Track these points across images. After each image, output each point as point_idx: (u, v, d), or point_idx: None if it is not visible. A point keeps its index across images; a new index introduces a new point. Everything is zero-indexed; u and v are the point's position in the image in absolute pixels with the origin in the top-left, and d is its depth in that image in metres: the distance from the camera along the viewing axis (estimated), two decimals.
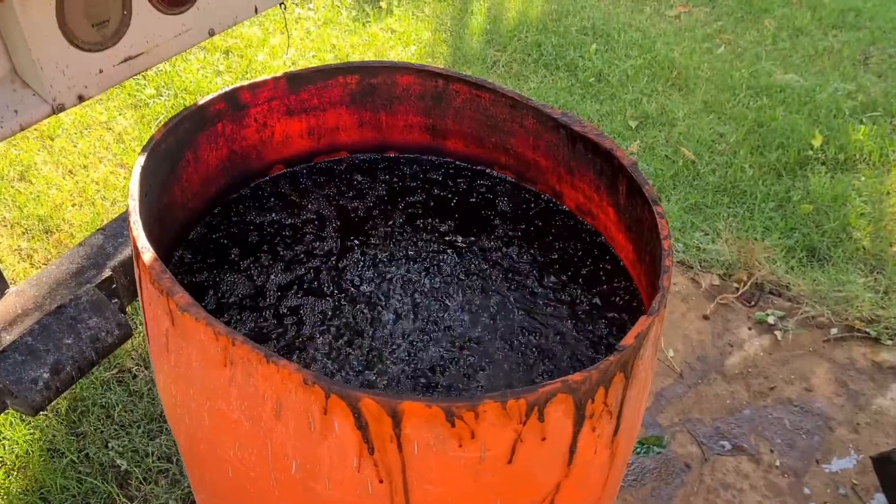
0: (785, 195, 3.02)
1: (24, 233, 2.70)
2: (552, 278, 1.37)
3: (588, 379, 0.90)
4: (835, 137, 3.31)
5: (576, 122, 1.32)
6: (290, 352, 1.23)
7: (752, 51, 4.00)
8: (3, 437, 2.08)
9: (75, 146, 3.11)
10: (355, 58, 3.81)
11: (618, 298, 1.32)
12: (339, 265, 1.39)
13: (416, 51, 3.86)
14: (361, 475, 0.93)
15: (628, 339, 0.95)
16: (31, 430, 2.10)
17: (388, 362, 1.22)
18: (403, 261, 1.41)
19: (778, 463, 2.14)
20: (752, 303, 2.61)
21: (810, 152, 3.23)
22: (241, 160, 1.46)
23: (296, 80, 1.44)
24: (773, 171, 3.16)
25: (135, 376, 2.26)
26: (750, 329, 2.52)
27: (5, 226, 2.72)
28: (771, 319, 2.54)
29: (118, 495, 1.96)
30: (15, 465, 2.02)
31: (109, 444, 2.07)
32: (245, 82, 1.39)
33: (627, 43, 3.98)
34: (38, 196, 2.84)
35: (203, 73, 3.58)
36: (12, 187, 2.88)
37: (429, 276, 1.38)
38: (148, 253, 1.02)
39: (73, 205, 2.84)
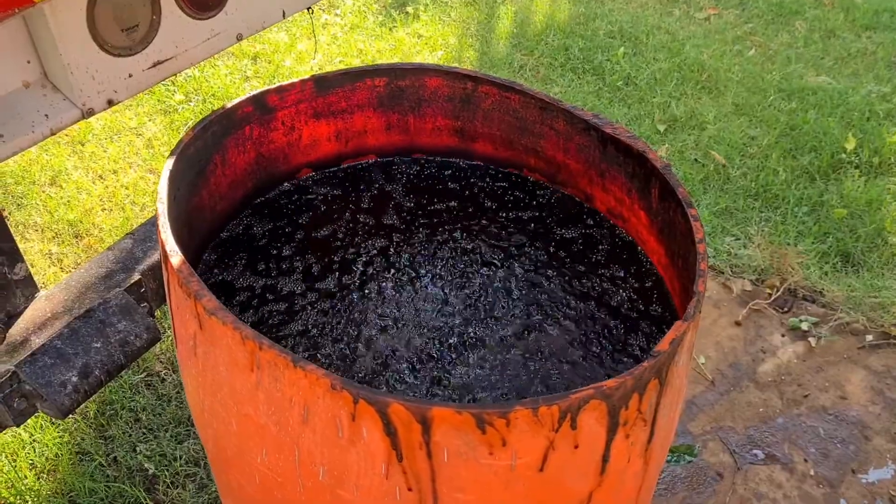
0: (818, 199, 2.97)
1: (54, 237, 2.73)
2: (583, 282, 1.35)
3: (622, 385, 0.88)
4: (869, 141, 3.24)
5: (607, 125, 1.30)
6: (318, 357, 1.22)
7: (784, 53, 3.94)
8: (34, 440, 2.09)
9: (105, 151, 3.14)
10: (382, 63, 3.81)
11: (649, 303, 1.30)
12: (367, 269, 1.38)
13: (443, 55, 3.85)
14: (390, 482, 0.91)
15: (663, 345, 0.92)
16: (61, 433, 2.11)
17: (416, 370, 1.21)
18: (433, 264, 1.39)
19: (812, 472, 2.10)
20: (785, 309, 2.56)
21: (843, 156, 3.17)
22: (268, 163, 1.45)
23: (323, 83, 1.44)
24: (805, 174, 3.11)
25: (163, 380, 2.27)
26: (783, 336, 2.47)
27: (36, 230, 2.75)
28: (804, 326, 2.49)
29: (146, 499, 1.96)
30: (45, 467, 2.04)
31: (137, 448, 2.08)
32: (272, 85, 1.39)
33: (656, 46, 3.94)
34: (68, 201, 2.87)
35: (231, 78, 3.60)
36: (43, 192, 2.91)
37: (457, 280, 1.37)
38: (176, 256, 1.01)
39: (103, 209, 2.86)
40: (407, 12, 4.19)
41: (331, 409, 0.88)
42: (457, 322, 1.29)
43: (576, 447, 0.90)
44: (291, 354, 0.88)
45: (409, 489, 0.91)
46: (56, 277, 2.57)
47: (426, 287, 1.35)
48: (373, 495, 0.93)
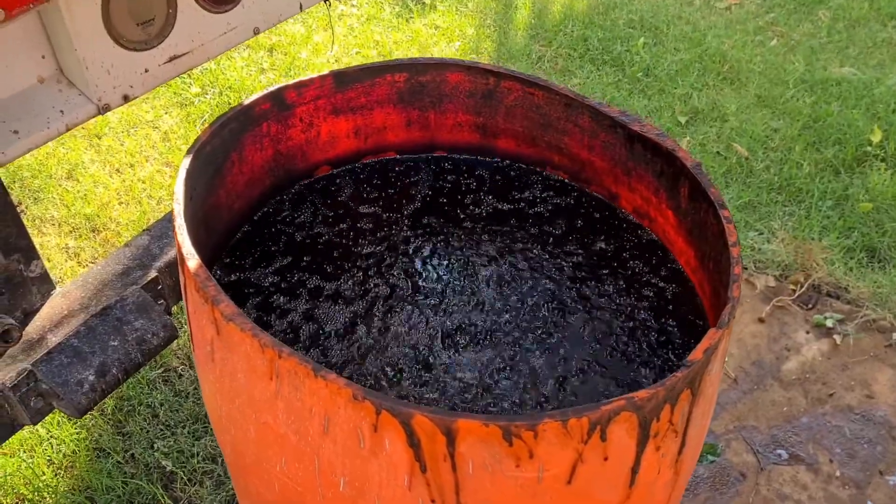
0: (843, 193, 2.91)
1: (71, 231, 2.72)
2: (608, 285, 1.31)
3: (654, 396, 0.85)
4: (895, 133, 3.17)
5: (634, 122, 1.26)
6: (340, 365, 1.19)
7: (807, 43, 3.87)
8: (51, 436, 2.09)
9: (122, 145, 3.13)
10: (399, 54, 3.78)
11: (678, 307, 1.26)
12: (387, 269, 1.35)
13: (461, 47, 3.81)
14: (413, 495, 0.88)
15: (696, 354, 0.89)
16: (78, 430, 2.11)
17: (437, 376, 1.18)
18: (453, 264, 1.36)
19: (838, 473, 2.06)
20: (810, 305, 2.51)
21: (869, 148, 3.11)
22: (286, 161, 1.42)
23: (342, 79, 1.40)
24: (829, 167, 3.05)
25: (180, 376, 2.25)
26: (807, 333, 2.43)
27: (53, 224, 2.74)
28: (829, 323, 2.44)
29: (163, 496, 1.95)
30: (62, 464, 2.03)
31: (155, 445, 2.07)
32: (291, 81, 1.36)
33: (676, 36, 3.88)
34: (85, 195, 2.86)
35: (247, 70, 3.57)
36: (60, 186, 2.90)
37: (478, 280, 1.34)
38: (193, 260, 0.99)
39: (120, 203, 2.85)
40: (423, 3, 4.14)
41: (352, 420, 0.86)
42: (478, 325, 1.26)
43: (605, 459, 0.87)
44: (312, 363, 0.86)
45: (433, 501, 0.89)
46: (73, 272, 2.57)
47: (448, 288, 1.32)
48: None
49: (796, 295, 2.54)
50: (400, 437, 0.84)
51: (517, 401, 1.14)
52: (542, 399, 1.14)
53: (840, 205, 2.87)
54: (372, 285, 1.32)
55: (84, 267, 2.59)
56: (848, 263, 2.63)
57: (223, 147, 1.28)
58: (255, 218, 1.41)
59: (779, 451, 2.11)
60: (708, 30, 3.94)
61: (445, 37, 3.88)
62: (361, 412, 0.84)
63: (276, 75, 3.58)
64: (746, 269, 2.63)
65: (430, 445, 0.84)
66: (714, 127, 3.28)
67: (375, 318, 1.26)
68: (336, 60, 3.71)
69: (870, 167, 3.04)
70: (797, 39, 3.92)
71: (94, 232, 2.72)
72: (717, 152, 3.14)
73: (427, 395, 1.14)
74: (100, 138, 3.16)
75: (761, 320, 2.46)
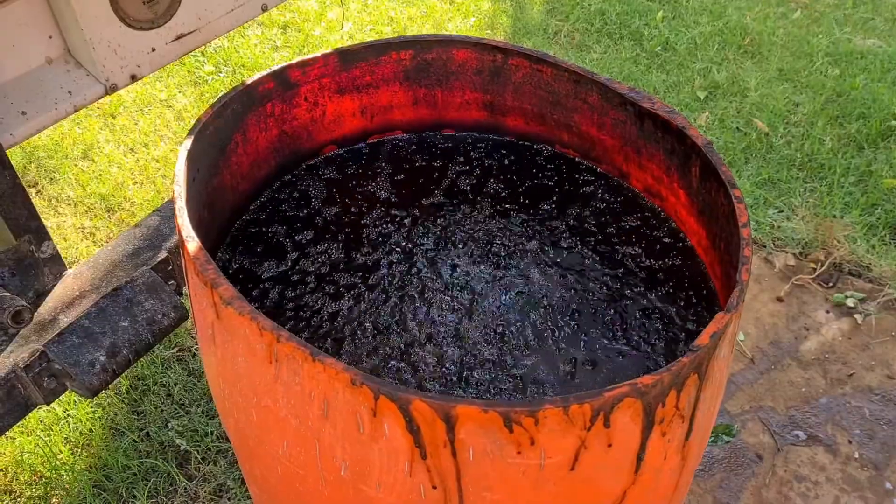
0: (866, 169, 2.84)
1: (87, 211, 2.73)
2: (618, 264, 1.29)
3: (659, 382, 0.83)
4: None
5: (644, 99, 1.23)
6: (341, 349, 1.18)
7: (831, 15, 3.77)
8: (68, 415, 2.11)
9: (136, 124, 3.13)
10: (413, 31, 3.73)
11: (688, 288, 1.24)
12: (394, 249, 1.34)
13: (476, 22, 3.76)
14: (414, 480, 0.87)
15: (703, 339, 0.87)
16: (94, 409, 2.12)
17: (440, 358, 1.17)
18: (461, 244, 1.35)
19: (857, 455, 2.03)
20: (830, 284, 2.47)
21: (894, 123, 3.03)
22: (291, 141, 1.41)
23: (347, 57, 1.38)
24: (853, 143, 2.98)
25: (194, 356, 2.26)
26: (827, 312, 2.39)
27: (69, 204, 2.75)
28: (850, 302, 2.40)
29: (178, 475, 1.96)
30: (79, 442, 2.05)
31: (169, 424, 2.08)
32: (295, 60, 1.34)
33: (696, 9, 3.80)
34: (100, 175, 2.87)
35: (261, 48, 3.55)
36: (76, 166, 2.91)
37: (486, 260, 1.32)
38: (193, 242, 0.98)
39: (135, 183, 2.85)
40: None
41: (351, 405, 0.84)
42: (484, 307, 1.24)
43: (609, 446, 0.86)
44: (311, 347, 0.84)
45: (434, 487, 0.88)
46: (89, 251, 2.58)
47: (455, 270, 1.31)
48: (396, 492, 0.90)
49: (816, 273, 2.49)
50: (399, 422, 0.83)
51: (533, 384, 1.13)
52: (555, 383, 1.13)
53: (863, 181, 2.81)
54: (381, 265, 1.30)
55: (100, 247, 2.60)
56: (870, 241, 2.58)
57: (226, 128, 1.26)
58: (262, 199, 1.40)
59: (796, 432, 2.09)
60: (729, 2, 3.86)
61: (461, 12, 3.83)
62: (360, 397, 0.83)
63: (291, 53, 3.56)
64: (765, 247, 2.59)
65: (429, 432, 0.83)
66: (734, 102, 3.22)
67: (382, 300, 1.25)
68: (350, 37, 3.68)
69: (894, 142, 2.97)
70: (821, 11, 3.83)
71: (109, 212, 2.73)
72: (737, 128, 3.08)
73: (432, 383, 1.13)
74: (114, 118, 3.16)
75: (780, 299, 2.43)
